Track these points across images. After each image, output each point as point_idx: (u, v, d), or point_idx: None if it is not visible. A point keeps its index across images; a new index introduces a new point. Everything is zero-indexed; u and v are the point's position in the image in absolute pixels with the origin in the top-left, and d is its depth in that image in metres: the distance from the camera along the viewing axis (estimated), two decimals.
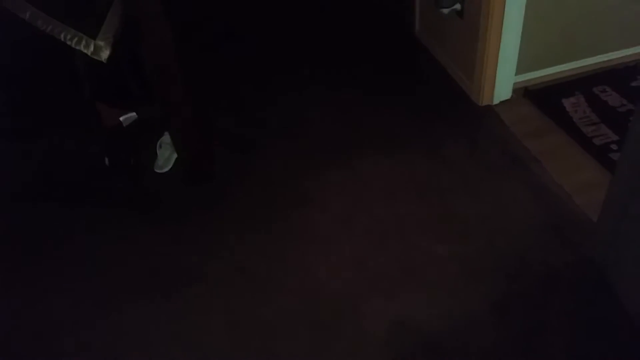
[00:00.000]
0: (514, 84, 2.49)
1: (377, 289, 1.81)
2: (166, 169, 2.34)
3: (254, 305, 1.81)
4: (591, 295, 1.73)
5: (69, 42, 1.88)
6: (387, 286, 1.81)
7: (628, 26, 2.49)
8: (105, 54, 1.90)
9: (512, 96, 2.51)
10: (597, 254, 1.78)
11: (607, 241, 1.71)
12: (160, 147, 2.37)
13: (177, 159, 2.35)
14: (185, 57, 2.07)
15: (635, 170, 1.50)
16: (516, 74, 2.46)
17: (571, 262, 1.82)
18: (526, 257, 1.86)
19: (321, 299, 1.80)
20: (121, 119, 2.30)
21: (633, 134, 1.51)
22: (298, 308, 1.78)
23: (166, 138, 2.35)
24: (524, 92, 2.53)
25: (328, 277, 1.87)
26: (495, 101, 2.49)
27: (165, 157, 2.35)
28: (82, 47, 1.88)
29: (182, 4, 2.97)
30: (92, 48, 1.88)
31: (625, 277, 1.65)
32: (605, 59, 2.64)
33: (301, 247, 1.98)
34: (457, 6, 2.42)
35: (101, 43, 1.89)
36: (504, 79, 2.42)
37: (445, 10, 2.44)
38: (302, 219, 2.08)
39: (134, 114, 2.31)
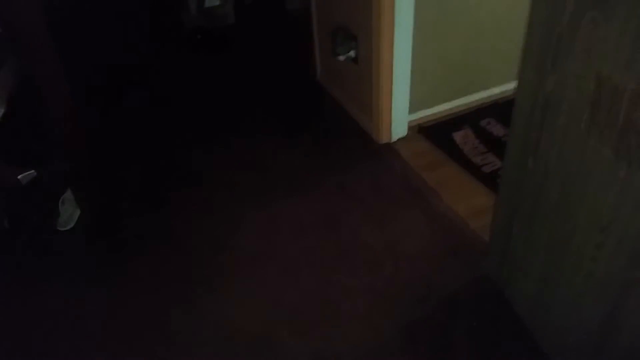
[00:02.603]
0: (409, 122, 2.68)
1: (294, 327, 1.83)
2: (69, 226, 2.26)
3: (168, 358, 1.76)
4: (491, 312, 1.85)
5: None
6: (304, 323, 1.84)
7: (504, 64, 2.75)
8: None
9: (408, 133, 2.69)
10: (492, 272, 1.93)
11: (498, 260, 1.86)
12: (63, 203, 2.29)
13: (80, 215, 2.28)
14: (86, 110, 2.05)
15: (512, 192, 1.67)
16: (409, 112, 2.65)
17: (470, 282, 1.96)
18: (430, 281, 1.97)
19: (237, 342, 1.79)
20: (19, 177, 2.20)
21: (508, 159, 1.68)
22: (214, 356, 1.76)
23: (69, 194, 2.28)
24: (418, 129, 2.72)
25: (244, 319, 1.87)
26: (394, 138, 2.66)
27: (68, 214, 2.27)
28: None
29: (82, 55, 2.96)
30: None
31: (518, 291, 1.80)
32: (488, 94, 2.90)
33: (215, 294, 1.97)
34: (352, 53, 2.60)
35: None
36: (398, 118, 2.60)
37: (341, 58, 2.60)
38: (217, 265, 2.08)
39: (33, 171, 2.22)
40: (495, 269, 1.90)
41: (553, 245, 1.51)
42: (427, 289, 1.94)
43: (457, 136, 2.66)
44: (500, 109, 2.82)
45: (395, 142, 2.66)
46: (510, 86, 2.89)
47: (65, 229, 2.26)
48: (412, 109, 2.65)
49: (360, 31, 2.50)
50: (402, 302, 1.90)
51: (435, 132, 2.69)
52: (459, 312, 1.87)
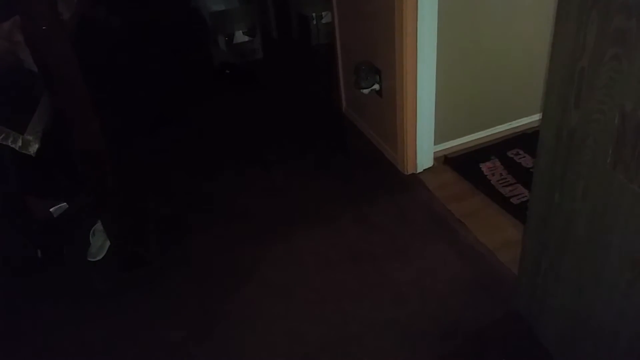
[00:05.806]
0: (434, 152, 2.67)
1: None
2: (99, 257, 2.31)
3: None
4: (521, 349, 1.80)
5: None
6: (328, 359, 1.82)
7: (531, 95, 2.73)
8: (33, 148, 1.93)
9: (434, 164, 2.68)
10: (521, 308, 1.88)
11: (528, 295, 1.81)
12: (94, 235, 2.34)
13: (110, 246, 2.33)
14: (116, 144, 2.11)
15: (540, 227, 1.64)
16: (435, 143, 2.64)
17: (499, 318, 1.90)
18: (458, 316, 1.93)
19: None
20: (51, 210, 2.28)
21: (534, 193, 1.65)
22: None
23: (99, 226, 2.34)
24: (444, 160, 2.71)
25: (265, 353, 1.86)
26: (419, 169, 2.65)
27: (99, 245, 2.32)
28: (9, 143, 1.90)
29: (115, 90, 3.07)
30: (20, 143, 1.91)
31: (548, 327, 1.75)
32: (516, 125, 2.87)
33: (237, 326, 1.97)
34: (376, 86, 2.62)
35: (30, 137, 1.92)
36: (424, 149, 2.60)
37: (366, 91, 2.63)
38: (241, 297, 2.09)
39: (64, 204, 2.30)
40: (525, 304, 1.85)
41: (583, 281, 1.47)
42: (455, 324, 1.90)
43: (484, 167, 2.64)
44: (529, 139, 2.78)
45: (421, 172, 2.65)
46: (537, 117, 2.86)
47: (95, 259, 2.31)
48: (438, 139, 2.65)
49: (383, 65, 2.53)
50: (428, 338, 1.86)
51: (462, 163, 2.67)
52: (488, 349, 1.82)
